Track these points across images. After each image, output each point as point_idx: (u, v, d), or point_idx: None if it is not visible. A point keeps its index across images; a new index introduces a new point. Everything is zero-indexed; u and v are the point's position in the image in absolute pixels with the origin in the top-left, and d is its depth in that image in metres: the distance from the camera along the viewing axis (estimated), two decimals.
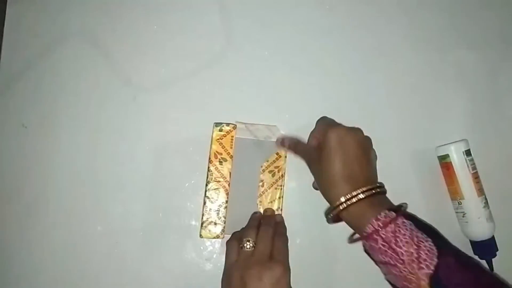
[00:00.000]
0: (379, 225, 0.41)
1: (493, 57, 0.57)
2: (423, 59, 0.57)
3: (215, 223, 0.51)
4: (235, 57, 0.56)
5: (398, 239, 0.40)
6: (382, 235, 0.41)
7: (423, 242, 0.40)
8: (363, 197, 0.43)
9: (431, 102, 0.57)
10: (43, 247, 0.53)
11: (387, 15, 0.58)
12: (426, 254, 0.39)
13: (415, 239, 0.40)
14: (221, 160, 0.52)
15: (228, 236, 0.51)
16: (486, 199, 0.51)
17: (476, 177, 0.51)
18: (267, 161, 0.54)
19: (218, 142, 0.53)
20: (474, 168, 0.51)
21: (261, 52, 0.57)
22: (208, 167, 0.52)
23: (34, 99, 0.56)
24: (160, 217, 0.54)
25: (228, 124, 0.53)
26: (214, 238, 0.52)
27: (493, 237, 0.51)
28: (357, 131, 0.48)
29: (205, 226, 0.51)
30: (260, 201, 0.53)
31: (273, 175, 0.54)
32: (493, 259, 0.51)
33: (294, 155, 0.52)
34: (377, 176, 0.48)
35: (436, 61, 0.57)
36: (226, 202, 0.52)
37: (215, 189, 0.52)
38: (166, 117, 0.55)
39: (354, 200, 0.43)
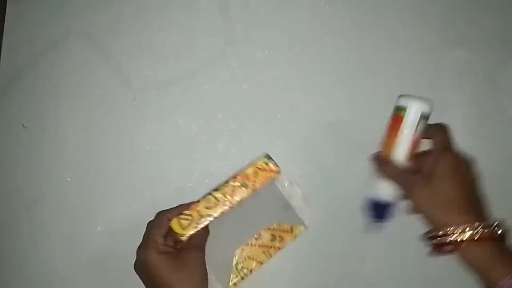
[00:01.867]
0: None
1: (493, 57, 0.57)
2: (423, 59, 0.57)
3: (190, 224, 0.47)
4: (235, 57, 0.56)
5: None
6: None
7: None
8: (485, 231, 0.40)
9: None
10: (43, 247, 0.53)
11: (387, 15, 0.58)
12: None
13: None
14: (244, 185, 0.49)
15: None
16: None
17: (417, 144, 0.47)
18: (278, 225, 0.52)
19: (256, 169, 0.49)
20: (421, 134, 0.47)
21: (261, 52, 0.57)
22: (228, 181, 0.49)
23: (34, 99, 0.56)
24: None
25: (276, 165, 0.49)
26: (177, 233, 0.47)
27: (393, 203, 0.48)
28: (471, 160, 0.45)
29: (181, 218, 0.47)
30: (242, 249, 0.51)
31: (272, 240, 0.51)
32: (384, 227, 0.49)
33: (385, 175, 0.47)
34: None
35: (436, 61, 0.57)
36: (213, 219, 0.48)
37: (217, 200, 0.48)
38: (166, 117, 0.55)
39: (472, 232, 0.40)
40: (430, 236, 0.43)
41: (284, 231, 0.52)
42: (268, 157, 0.50)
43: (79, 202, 0.54)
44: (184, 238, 0.47)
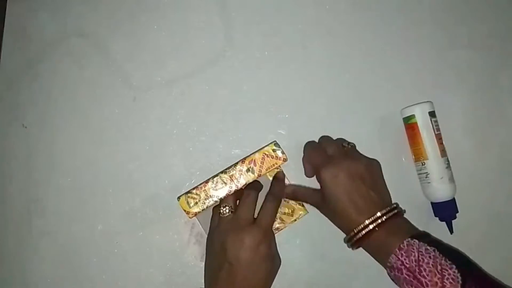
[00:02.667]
0: (402, 254, 0.41)
1: (493, 57, 0.57)
2: (423, 59, 0.57)
3: (197, 203, 0.50)
4: (235, 57, 0.56)
5: (421, 268, 0.40)
6: (406, 265, 0.41)
7: (447, 270, 0.39)
8: (373, 227, 0.43)
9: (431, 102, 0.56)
10: (43, 247, 0.53)
11: (387, 15, 0.58)
12: (451, 283, 0.38)
13: (439, 267, 0.39)
14: (250, 169, 0.51)
15: (193, 221, 0.52)
16: (448, 160, 0.51)
17: (439, 138, 0.51)
18: (279, 207, 0.51)
19: (263, 155, 0.51)
20: (438, 129, 0.51)
21: (261, 52, 0.57)
22: (236, 164, 0.51)
23: (34, 99, 0.56)
24: (160, 217, 0.54)
25: (283, 153, 0.51)
26: (184, 210, 0.50)
27: (454, 199, 0.51)
28: (348, 161, 0.47)
29: (189, 197, 0.50)
30: None
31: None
32: (453, 222, 0.51)
33: (296, 201, 0.52)
34: (388, 194, 0.48)
35: (436, 61, 0.57)
36: (219, 200, 0.50)
37: (224, 182, 0.50)
38: (166, 117, 0.55)
39: (364, 232, 0.44)
40: (346, 241, 0.47)
41: (284, 213, 0.52)
42: (277, 145, 0.51)
43: (79, 202, 0.54)
44: (190, 216, 0.49)
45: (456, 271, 0.39)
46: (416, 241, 0.42)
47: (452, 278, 0.39)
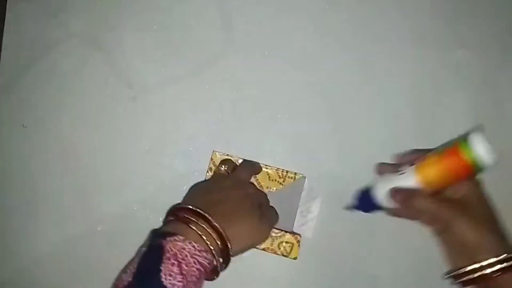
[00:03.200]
0: None
1: (493, 57, 0.57)
2: (423, 59, 0.57)
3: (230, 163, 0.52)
4: (235, 57, 0.56)
5: None
6: None
7: None
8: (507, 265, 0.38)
9: (431, 102, 0.56)
10: (43, 247, 0.53)
11: (387, 15, 0.58)
12: None
13: None
14: (281, 183, 0.52)
15: None
16: None
17: None
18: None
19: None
20: None
21: (261, 52, 0.57)
22: (281, 170, 0.53)
23: (34, 99, 0.56)
24: (160, 217, 0.54)
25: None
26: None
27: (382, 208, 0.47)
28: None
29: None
30: None
31: None
32: None
33: (409, 215, 0.44)
34: None
35: (435, 61, 0.57)
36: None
37: (267, 175, 0.52)
38: (166, 117, 0.55)
39: (498, 267, 0.38)
40: (461, 273, 0.40)
41: (282, 242, 0.50)
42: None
43: (79, 202, 0.54)
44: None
45: None
46: None
47: None
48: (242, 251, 0.43)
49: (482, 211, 0.41)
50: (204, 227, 0.39)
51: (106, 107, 0.55)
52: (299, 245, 0.50)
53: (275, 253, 0.50)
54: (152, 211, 0.54)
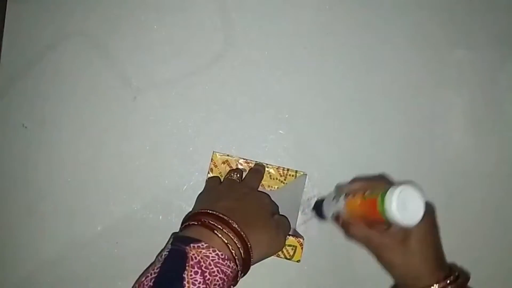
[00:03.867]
0: None
1: (493, 57, 0.57)
2: (423, 59, 0.57)
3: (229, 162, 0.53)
4: (235, 57, 0.56)
5: None
6: None
7: None
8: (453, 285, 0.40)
9: (431, 102, 0.56)
10: (43, 247, 0.53)
11: (387, 15, 0.58)
12: None
13: None
14: (282, 182, 0.52)
15: None
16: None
17: None
18: None
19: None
20: None
21: (261, 52, 0.57)
22: (282, 169, 0.53)
23: (34, 99, 0.56)
24: (160, 217, 0.54)
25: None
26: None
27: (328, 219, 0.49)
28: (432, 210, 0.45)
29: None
30: None
31: None
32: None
33: (348, 235, 0.45)
34: None
35: (436, 61, 0.57)
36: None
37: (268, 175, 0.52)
38: (166, 117, 0.55)
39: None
40: None
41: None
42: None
43: (79, 202, 0.54)
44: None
45: None
46: None
47: None
48: (260, 260, 0.42)
49: (415, 246, 0.41)
50: (229, 235, 0.38)
51: (106, 107, 0.55)
52: (302, 248, 0.49)
53: (278, 256, 0.49)
54: (152, 211, 0.54)
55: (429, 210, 0.40)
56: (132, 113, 0.55)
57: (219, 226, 0.38)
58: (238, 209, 0.41)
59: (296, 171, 0.52)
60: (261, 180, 0.51)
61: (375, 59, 0.57)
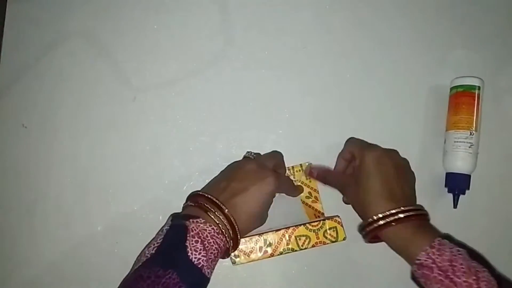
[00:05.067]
0: (433, 253, 0.40)
1: (493, 57, 0.57)
2: (423, 59, 0.57)
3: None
4: (235, 57, 0.56)
5: (455, 268, 0.39)
6: (438, 264, 0.40)
7: (480, 272, 0.38)
8: (403, 216, 0.43)
9: (431, 102, 0.56)
10: (43, 247, 0.53)
11: (387, 15, 0.58)
12: (486, 285, 0.37)
13: (472, 269, 0.39)
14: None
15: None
16: None
17: None
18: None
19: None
20: None
21: (261, 52, 0.57)
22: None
23: (34, 99, 0.56)
24: (160, 217, 0.54)
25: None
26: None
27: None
28: (394, 152, 0.48)
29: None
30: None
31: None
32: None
33: (324, 184, 0.52)
34: (416, 199, 0.48)
35: (436, 61, 0.57)
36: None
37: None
38: (166, 117, 0.55)
39: (393, 217, 0.43)
40: (361, 228, 0.47)
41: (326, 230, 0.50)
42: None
43: (79, 202, 0.54)
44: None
45: (489, 274, 0.38)
46: (447, 241, 0.41)
47: (486, 281, 0.38)
48: (248, 233, 0.47)
49: (365, 182, 0.46)
50: (220, 218, 0.42)
51: (106, 107, 0.55)
52: (342, 225, 0.49)
53: (325, 243, 0.49)
54: (152, 210, 0.54)
55: (381, 151, 0.47)
56: (132, 113, 0.55)
57: (212, 209, 0.43)
58: (236, 192, 0.44)
59: (301, 164, 0.54)
60: (276, 160, 0.51)
61: (375, 59, 0.57)
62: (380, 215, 0.43)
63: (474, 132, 0.51)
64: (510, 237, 0.54)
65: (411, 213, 0.43)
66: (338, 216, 0.50)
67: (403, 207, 0.43)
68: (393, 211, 0.43)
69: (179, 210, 0.53)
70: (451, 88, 0.54)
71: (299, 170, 0.54)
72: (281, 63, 0.57)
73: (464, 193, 0.52)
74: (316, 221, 0.50)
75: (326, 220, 0.50)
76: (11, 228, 0.54)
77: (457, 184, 0.52)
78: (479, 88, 0.52)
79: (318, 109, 0.56)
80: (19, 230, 0.53)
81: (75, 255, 0.53)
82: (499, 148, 0.56)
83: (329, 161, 0.54)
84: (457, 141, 0.52)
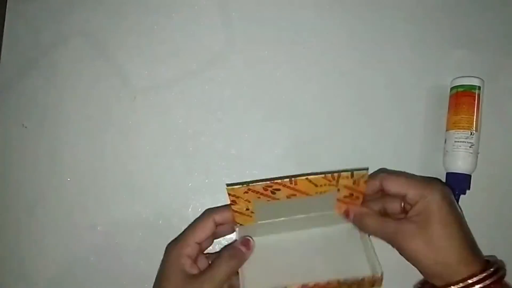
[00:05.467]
0: None
1: (493, 57, 0.57)
2: (423, 59, 0.57)
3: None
4: (235, 57, 0.56)
5: None
6: None
7: None
8: (490, 281, 0.36)
9: (431, 102, 0.56)
10: (43, 247, 0.53)
11: (387, 15, 0.58)
12: None
13: None
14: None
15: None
16: None
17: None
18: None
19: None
20: None
21: (261, 52, 0.57)
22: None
23: (34, 99, 0.56)
24: (160, 217, 0.54)
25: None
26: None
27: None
28: (448, 189, 0.41)
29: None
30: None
31: None
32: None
33: (364, 231, 0.44)
34: None
35: (436, 61, 0.57)
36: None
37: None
38: (166, 117, 0.55)
39: (491, 279, 0.36)
40: None
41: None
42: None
43: (79, 202, 0.54)
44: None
45: None
46: None
47: None
48: None
49: (438, 232, 0.37)
50: None
51: (106, 107, 0.55)
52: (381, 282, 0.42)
53: None
54: (152, 211, 0.54)
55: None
56: (132, 113, 0.55)
57: None
58: None
59: (352, 172, 0.41)
60: (236, 267, 0.42)
61: (375, 59, 0.57)
62: (475, 279, 0.36)
63: (474, 132, 0.51)
64: (510, 237, 0.54)
65: (494, 274, 0.36)
66: (379, 273, 0.41)
67: (490, 267, 0.36)
68: (485, 273, 0.36)
69: (179, 210, 0.53)
70: (451, 88, 0.54)
71: (347, 177, 0.41)
72: (282, 63, 0.57)
73: (464, 193, 0.52)
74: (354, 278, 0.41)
75: (365, 279, 0.41)
76: (11, 228, 0.54)
77: (457, 184, 0.52)
78: (479, 88, 0.52)
79: (319, 109, 0.56)
80: (19, 230, 0.53)
81: (75, 255, 0.53)
82: (499, 148, 0.56)
83: (330, 161, 0.54)
84: (458, 141, 0.52)
